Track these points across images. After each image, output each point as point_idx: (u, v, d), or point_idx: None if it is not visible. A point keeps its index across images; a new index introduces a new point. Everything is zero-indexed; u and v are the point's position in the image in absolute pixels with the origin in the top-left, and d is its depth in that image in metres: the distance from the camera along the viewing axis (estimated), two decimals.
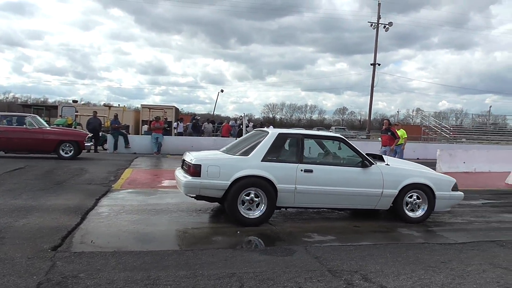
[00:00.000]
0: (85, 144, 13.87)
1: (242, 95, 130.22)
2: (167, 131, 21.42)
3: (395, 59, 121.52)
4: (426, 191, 6.63)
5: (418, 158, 17.24)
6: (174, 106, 30.09)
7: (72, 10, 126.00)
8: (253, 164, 6.00)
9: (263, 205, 6.01)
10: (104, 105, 31.24)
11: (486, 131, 39.77)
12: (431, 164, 11.28)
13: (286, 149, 6.47)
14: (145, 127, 23.42)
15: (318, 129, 36.82)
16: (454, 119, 53.97)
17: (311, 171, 6.16)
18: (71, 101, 34.00)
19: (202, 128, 23.23)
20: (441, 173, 8.32)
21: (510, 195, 10.30)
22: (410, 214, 6.65)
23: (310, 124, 75.12)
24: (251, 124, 23.42)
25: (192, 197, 6.24)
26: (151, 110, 25.89)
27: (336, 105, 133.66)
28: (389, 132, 12.69)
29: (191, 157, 6.15)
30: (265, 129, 6.97)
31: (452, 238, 5.81)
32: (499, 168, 13.95)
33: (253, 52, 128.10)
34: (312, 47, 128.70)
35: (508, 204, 8.87)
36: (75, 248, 4.64)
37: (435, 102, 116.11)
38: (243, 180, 5.90)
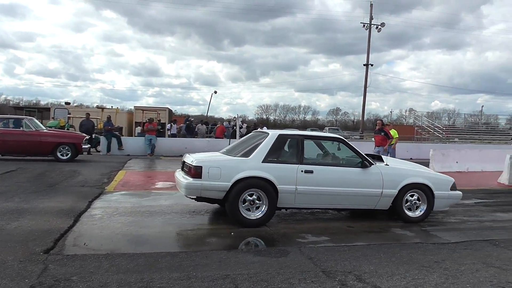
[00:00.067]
0: (83, 147, 13.82)
1: (236, 96, 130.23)
2: (161, 133, 21.34)
3: (387, 59, 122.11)
4: (425, 190, 6.68)
5: (411, 158, 17.29)
6: (167, 107, 30.03)
7: (64, 12, 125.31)
8: (254, 165, 6.01)
9: (264, 206, 6.03)
10: (97, 107, 31.00)
11: (478, 130, 40.04)
12: (424, 164, 11.27)
13: (286, 150, 6.48)
14: (138, 129, 23.36)
15: (312, 130, 36.90)
16: (446, 119, 54.28)
17: (311, 171, 6.18)
18: (63, 103, 33.78)
19: (196, 130, 23.16)
20: None
21: (503, 194, 10.37)
22: (410, 213, 6.69)
23: (304, 125, 75.22)
24: (244, 125, 23.39)
25: (192, 198, 6.23)
26: (144, 111, 25.81)
27: (329, 106, 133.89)
28: (382, 133, 12.74)
29: (191, 159, 6.15)
30: (265, 130, 6.97)
31: (446, 238, 5.84)
32: (491, 167, 14.05)
33: (246, 53, 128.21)
34: (305, 48, 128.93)
35: (501, 203, 8.93)
36: (67, 251, 4.61)
37: (427, 102, 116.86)
38: (244, 181, 5.91)
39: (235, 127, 17.19)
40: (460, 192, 7.04)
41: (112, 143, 17.32)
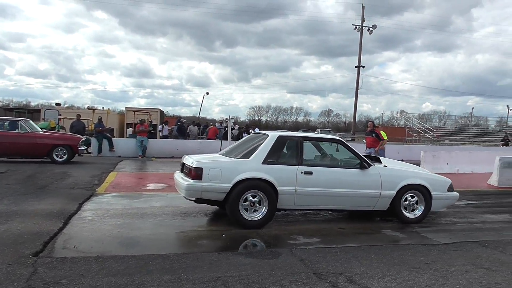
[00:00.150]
0: (79, 148, 13.73)
1: (228, 97, 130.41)
2: (152, 134, 21.27)
3: (379, 61, 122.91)
4: (423, 191, 6.74)
5: (402, 160, 17.31)
6: (159, 109, 29.94)
7: (55, 13, 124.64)
8: (254, 166, 6.03)
9: (264, 207, 6.04)
10: (88, 108, 30.86)
11: (468, 132, 40.46)
12: (415, 165, 11.37)
13: (286, 152, 6.50)
14: (129, 130, 23.23)
15: (304, 131, 36.96)
16: (437, 120, 54.79)
17: (311, 173, 6.21)
18: (54, 104, 33.55)
19: (188, 131, 23.11)
20: None
21: (492, 195, 10.46)
22: (408, 214, 6.75)
23: (296, 126, 75.37)
24: (236, 127, 23.38)
25: (191, 200, 6.22)
26: (135, 113, 25.70)
27: (321, 107, 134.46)
28: (373, 134, 12.79)
29: (191, 161, 6.14)
30: (264, 132, 6.99)
31: (436, 239, 5.87)
32: (481, 169, 14.17)
33: (238, 55, 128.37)
34: (297, 49, 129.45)
35: (490, 205, 9.00)
36: (57, 254, 4.57)
37: (418, 104, 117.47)
38: (244, 183, 5.93)
39: (226, 129, 17.17)
40: (457, 193, 7.12)
41: (103, 145, 17.20)
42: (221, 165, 6.09)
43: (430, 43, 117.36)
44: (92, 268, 4.11)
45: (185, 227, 6.07)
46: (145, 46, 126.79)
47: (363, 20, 36.56)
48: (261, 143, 6.31)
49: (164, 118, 29.61)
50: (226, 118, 15.92)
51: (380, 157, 7.43)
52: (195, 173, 5.89)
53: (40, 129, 14.36)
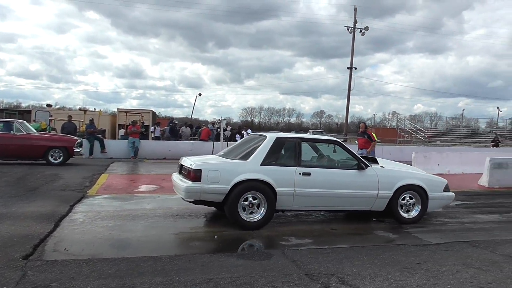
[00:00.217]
0: (75, 150, 13.65)
1: (220, 98, 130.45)
2: (144, 136, 21.18)
3: (371, 63, 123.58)
4: (419, 192, 6.80)
5: (393, 161, 17.49)
6: (151, 110, 29.82)
7: (46, 13, 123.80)
8: (253, 168, 6.04)
9: (263, 208, 6.06)
10: (80, 109, 30.62)
11: (459, 133, 40.77)
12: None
13: (284, 153, 6.52)
14: (121, 132, 23.13)
15: (296, 132, 37.02)
16: (428, 122, 55.22)
17: (309, 174, 6.23)
18: (45, 105, 33.27)
19: (180, 132, 23.05)
20: None
21: (483, 196, 10.54)
22: (405, 214, 6.80)
23: (288, 128, 75.52)
24: (229, 128, 23.36)
25: (190, 202, 6.21)
26: (127, 114, 25.62)
27: (313, 109, 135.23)
28: (365, 135, 12.84)
29: (190, 162, 6.13)
30: (262, 133, 7.00)
31: (427, 239, 5.91)
32: (472, 169, 14.27)
33: (231, 56, 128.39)
34: (290, 51, 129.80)
35: (481, 205, 9.07)
36: (47, 257, 4.52)
37: (410, 105, 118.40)
38: (243, 184, 5.94)
39: (219, 130, 17.14)
40: (453, 193, 7.21)
41: (94, 146, 17.09)
42: (220, 167, 6.09)
43: (422, 45, 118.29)
44: (83, 271, 4.08)
45: (177, 229, 6.05)
46: (138, 47, 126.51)
47: (355, 22, 36.68)
48: (260, 145, 6.32)
49: (156, 119, 29.57)
50: (219, 120, 15.89)
51: (377, 158, 7.47)
52: (194, 175, 5.88)
53: (35, 131, 14.27)
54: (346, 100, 38.25)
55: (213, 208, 6.93)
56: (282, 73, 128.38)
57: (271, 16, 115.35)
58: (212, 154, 9.74)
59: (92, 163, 14.66)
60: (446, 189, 7.06)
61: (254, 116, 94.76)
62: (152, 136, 23.27)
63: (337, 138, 7.56)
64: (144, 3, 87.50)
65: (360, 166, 6.56)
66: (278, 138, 6.46)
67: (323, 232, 6.18)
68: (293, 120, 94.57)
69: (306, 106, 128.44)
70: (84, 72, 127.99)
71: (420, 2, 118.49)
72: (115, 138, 24.00)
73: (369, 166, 6.63)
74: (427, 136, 36.41)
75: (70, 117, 18.97)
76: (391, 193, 6.61)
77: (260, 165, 6.08)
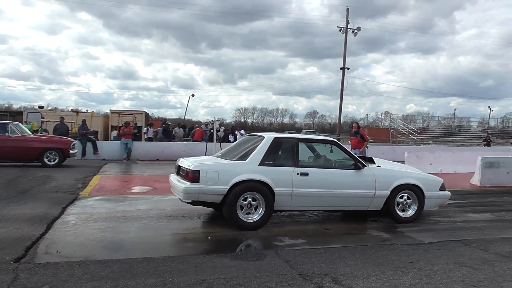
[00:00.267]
0: (70, 152, 13.58)
1: (214, 99, 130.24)
2: (137, 137, 21.10)
3: (364, 63, 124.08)
4: (416, 191, 6.85)
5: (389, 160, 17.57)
6: (144, 111, 29.70)
7: (37, 14, 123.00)
8: (251, 168, 6.05)
9: (261, 208, 6.08)
10: (72, 110, 30.52)
11: (451, 133, 41.06)
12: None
13: (282, 153, 6.54)
14: (114, 133, 23.03)
15: (290, 132, 37.07)
16: (421, 121, 55.49)
17: (307, 174, 6.26)
18: (37, 107, 33.07)
19: (173, 133, 22.99)
20: None
21: (475, 195, 10.61)
22: (401, 214, 6.85)
23: (282, 128, 75.64)
24: (222, 129, 23.33)
25: (188, 202, 6.21)
26: (120, 115, 25.51)
27: (307, 109, 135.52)
28: (358, 135, 12.89)
29: (188, 163, 6.13)
30: (259, 134, 7.01)
31: (420, 239, 5.93)
32: (464, 169, 14.37)
33: (224, 57, 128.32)
34: (282, 51, 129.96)
35: (473, 204, 9.14)
36: (39, 259, 4.49)
37: (403, 105, 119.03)
38: (241, 185, 5.95)
39: (212, 131, 17.11)
40: (449, 192, 7.28)
41: (87, 148, 17.00)
42: (218, 168, 6.09)
43: (414, 45, 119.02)
44: (76, 273, 4.06)
45: (170, 230, 6.03)
46: (130, 48, 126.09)
47: (347, 22, 36.77)
48: (257, 145, 6.34)
49: (149, 121, 29.47)
50: (212, 120, 15.87)
51: (373, 158, 7.51)
52: (193, 176, 5.88)
53: (30, 133, 14.18)
54: (339, 100, 38.35)
55: (206, 209, 6.92)
56: (275, 73, 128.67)
57: (263, 17, 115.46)
58: (205, 155, 9.74)
59: (84, 164, 14.57)
60: (442, 188, 7.13)
61: (247, 116, 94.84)
62: (145, 137, 23.18)
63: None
64: (136, 4, 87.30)
65: (357, 166, 6.59)
66: (275, 139, 6.48)
67: (316, 232, 6.19)
68: (286, 120, 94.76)
69: (299, 107, 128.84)
70: (76, 73, 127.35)
71: (412, 2, 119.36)
72: (107, 140, 23.88)
73: (366, 166, 6.67)
74: (420, 136, 36.63)
75: (62, 118, 18.86)
76: (388, 192, 6.65)
77: (258, 165, 6.09)
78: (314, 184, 6.29)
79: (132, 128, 18.96)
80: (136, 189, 9.67)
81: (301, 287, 3.91)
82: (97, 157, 16.92)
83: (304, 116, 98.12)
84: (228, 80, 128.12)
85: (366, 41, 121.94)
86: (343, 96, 38.03)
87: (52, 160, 13.26)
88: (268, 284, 3.94)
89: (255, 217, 6.06)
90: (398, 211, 6.82)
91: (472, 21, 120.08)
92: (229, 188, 5.89)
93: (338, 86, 37.90)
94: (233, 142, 21.13)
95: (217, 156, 6.84)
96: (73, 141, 14.23)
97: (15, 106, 69.56)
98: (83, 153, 16.82)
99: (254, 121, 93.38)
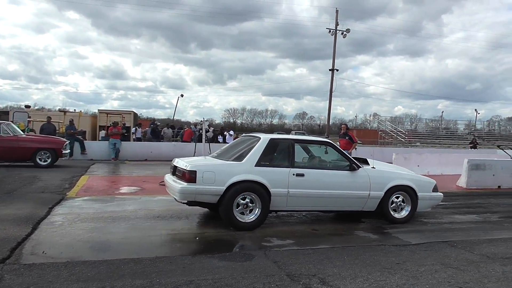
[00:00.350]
0: (63, 152, 13.45)
1: (203, 99, 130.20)
2: (125, 137, 20.96)
3: (353, 65, 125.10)
4: (409, 192, 6.94)
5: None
6: (132, 111, 29.50)
7: (24, 12, 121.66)
8: (247, 169, 6.07)
9: (257, 209, 6.11)
10: (59, 110, 30.17)
11: (438, 135, 41.45)
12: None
13: (278, 154, 6.56)
14: (102, 133, 22.86)
15: (278, 133, 37.14)
16: (409, 123, 56.10)
17: (302, 175, 6.29)
18: (23, 106, 32.67)
19: (162, 134, 22.88)
20: None
21: (461, 196, 10.73)
22: (395, 215, 6.93)
23: (271, 129, 75.84)
24: (211, 129, 23.28)
25: (183, 203, 6.19)
26: (108, 115, 25.33)
27: (296, 110, 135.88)
28: (347, 137, 12.96)
29: (185, 164, 6.12)
30: (255, 134, 7.03)
31: (407, 240, 5.99)
32: (451, 171, 14.51)
33: (213, 57, 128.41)
34: (272, 52, 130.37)
35: (459, 206, 9.23)
36: (25, 260, 4.44)
37: (391, 107, 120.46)
38: (238, 185, 5.97)
39: (201, 131, 17.07)
40: (441, 194, 7.38)
41: (74, 148, 16.83)
42: (215, 168, 6.10)
43: (402, 48, 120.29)
44: (62, 274, 4.02)
45: (158, 231, 5.99)
46: (119, 48, 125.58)
47: (337, 24, 36.97)
48: (254, 146, 6.36)
49: (138, 121, 29.26)
50: (201, 121, 15.83)
51: (367, 159, 7.58)
52: (189, 176, 5.88)
53: (22, 132, 14.02)
54: (328, 101, 38.55)
55: (195, 210, 6.91)
56: (264, 74, 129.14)
57: (253, 18, 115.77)
58: (194, 155, 9.71)
59: (72, 164, 14.42)
60: (435, 189, 7.24)
61: (236, 117, 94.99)
62: (134, 137, 23.03)
63: None
64: (125, 3, 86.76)
65: (352, 167, 6.65)
66: (272, 140, 6.51)
67: (304, 233, 6.21)
68: (275, 121, 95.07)
69: (289, 108, 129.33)
70: (64, 73, 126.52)
71: (401, 5, 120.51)
72: (95, 140, 23.70)
73: (360, 167, 6.73)
74: (407, 138, 36.95)
75: (49, 118, 18.67)
76: (382, 193, 6.72)
77: (255, 166, 6.12)
78: (309, 185, 6.33)
79: (121, 128, 18.83)
80: (124, 189, 9.60)
81: None
82: (84, 157, 16.78)
83: (293, 117, 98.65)
84: (218, 81, 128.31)
85: (355, 43, 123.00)
86: (332, 98, 38.30)
87: (44, 160, 13.15)
88: (256, 285, 3.94)
89: (251, 217, 6.09)
90: (392, 212, 6.90)
91: (460, 24, 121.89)
92: (226, 189, 5.91)
93: (327, 88, 38.10)
94: (222, 143, 21.14)
95: (213, 157, 6.86)
96: (66, 141, 14.11)
97: (1, 105, 68.58)
98: (71, 153, 16.62)
99: (243, 122, 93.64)
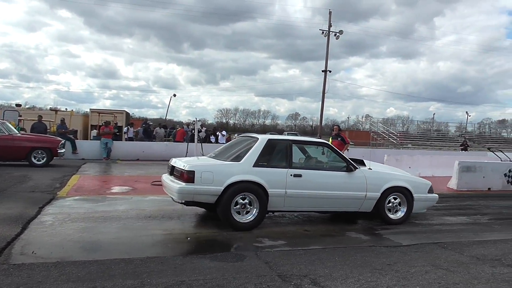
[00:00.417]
0: (58, 151, 13.35)
1: (195, 99, 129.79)
2: (117, 136, 20.85)
3: (345, 66, 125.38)
4: (405, 193, 7.01)
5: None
6: (124, 110, 29.30)
7: (16, 10, 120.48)
8: (245, 169, 6.09)
9: (255, 209, 6.13)
10: (51, 109, 29.86)
11: (430, 137, 41.67)
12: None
13: (276, 155, 6.56)
14: (94, 132, 22.71)
15: (271, 134, 37.14)
16: (401, 125, 56.25)
17: (300, 175, 6.33)
18: (14, 105, 32.35)
19: (154, 133, 22.79)
20: None
21: (452, 198, 10.81)
22: (391, 216, 7.00)
23: (263, 129, 75.87)
24: (204, 129, 23.22)
25: (181, 203, 6.18)
26: (100, 114, 25.15)
27: (288, 111, 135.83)
28: (339, 138, 12.96)
29: (183, 164, 6.12)
30: (253, 135, 7.03)
31: (398, 241, 6.02)
32: (442, 172, 14.60)
33: (206, 57, 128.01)
34: (265, 53, 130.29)
35: (449, 207, 9.30)
36: (14, 260, 4.40)
37: (383, 109, 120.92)
38: (236, 186, 5.99)
39: (193, 131, 17.02)
40: (436, 195, 7.47)
41: (66, 147, 16.70)
42: (213, 168, 6.10)
43: (395, 50, 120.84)
44: (51, 274, 3.99)
45: (150, 231, 5.97)
46: (111, 47, 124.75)
47: (330, 25, 37.05)
48: (251, 146, 6.38)
49: (130, 120, 29.14)
50: (193, 121, 15.78)
51: (364, 160, 7.62)
52: (188, 176, 5.88)
53: (17, 131, 13.89)
54: (320, 102, 38.62)
55: (186, 210, 6.90)
56: (257, 75, 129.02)
57: (247, 18, 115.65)
58: (186, 155, 9.68)
59: (63, 164, 14.31)
60: (430, 191, 7.32)
61: (229, 117, 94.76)
62: (126, 137, 22.90)
63: None
64: (118, 2, 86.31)
65: (349, 168, 6.70)
66: (270, 140, 6.53)
67: (296, 234, 6.22)
68: (268, 122, 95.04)
69: (281, 108, 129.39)
70: (56, 72, 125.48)
71: (394, 7, 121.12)
72: (87, 139, 23.53)
73: (357, 168, 6.77)
74: (399, 139, 37.09)
75: (40, 117, 18.49)
76: (378, 194, 6.78)
77: (253, 166, 6.14)
78: (307, 186, 6.37)
79: (112, 128, 18.74)
80: (115, 189, 9.55)
81: None
82: (76, 157, 16.68)
83: (286, 118, 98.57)
84: (210, 81, 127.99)
85: (348, 45, 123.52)
86: (325, 99, 38.36)
87: (40, 160, 13.06)
88: (247, 285, 3.94)
89: (249, 217, 6.11)
90: (388, 213, 6.96)
91: (452, 27, 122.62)
92: (224, 189, 5.93)
93: (320, 89, 38.17)
94: (214, 143, 21.10)
95: (210, 157, 6.85)
96: (61, 141, 14.01)
97: None
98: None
99: (236, 122, 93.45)
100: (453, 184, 12.44)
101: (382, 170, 7.42)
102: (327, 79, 37.44)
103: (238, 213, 6.08)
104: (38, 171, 11.72)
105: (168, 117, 54.83)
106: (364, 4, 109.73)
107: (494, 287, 4.30)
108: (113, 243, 5.31)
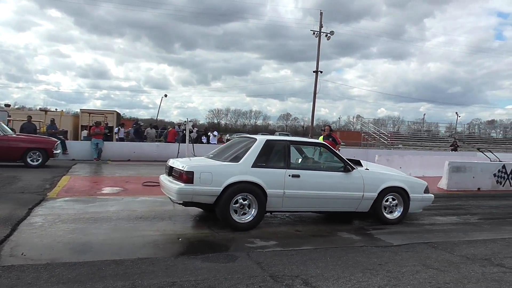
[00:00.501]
0: (54, 152, 13.22)
1: (187, 100, 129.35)
2: (108, 137, 20.74)
3: (337, 67, 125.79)
4: (402, 194, 7.08)
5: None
6: (115, 111, 29.17)
7: (5, 9, 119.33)
8: (244, 170, 6.10)
9: (253, 210, 6.15)
10: (40, 109, 29.66)
11: (420, 137, 41.97)
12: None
13: (274, 155, 6.58)
14: (84, 133, 22.59)
15: (262, 134, 37.16)
16: (391, 126, 56.58)
17: (298, 176, 6.35)
18: (3, 105, 32.03)
19: (145, 134, 22.69)
20: None
21: (442, 198, 10.87)
22: (388, 215, 7.06)
23: (255, 130, 75.89)
24: (195, 130, 23.17)
25: (179, 203, 6.18)
26: (91, 114, 25.01)
27: (280, 111, 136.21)
28: (330, 138, 13.00)
29: (182, 164, 6.11)
30: (251, 136, 7.04)
31: (389, 241, 6.05)
32: (432, 172, 14.70)
33: (197, 57, 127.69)
34: (256, 53, 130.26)
35: (440, 207, 9.36)
36: (3, 262, 4.35)
37: (374, 109, 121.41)
38: (235, 186, 6.00)
39: (184, 131, 16.98)
40: (432, 195, 7.54)
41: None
42: (212, 169, 6.11)
43: (385, 51, 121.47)
44: (41, 276, 3.95)
45: (141, 232, 5.93)
46: (102, 47, 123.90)
47: (321, 26, 37.14)
48: (250, 147, 6.39)
49: (121, 121, 28.99)
50: (185, 121, 15.75)
51: (361, 161, 7.66)
52: (186, 177, 5.88)
53: (12, 132, 13.75)
54: (312, 103, 38.70)
55: (178, 211, 6.88)
56: (249, 75, 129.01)
57: (238, 19, 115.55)
58: (177, 156, 9.66)
59: (53, 164, 14.19)
60: (426, 191, 7.40)
61: (220, 118, 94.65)
62: (116, 137, 22.81)
63: None
64: (109, 2, 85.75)
65: (346, 169, 6.73)
66: (268, 141, 6.55)
67: (288, 234, 6.22)
68: (259, 122, 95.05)
69: (273, 109, 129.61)
70: (46, 72, 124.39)
71: (384, 8, 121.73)
72: (77, 139, 23.38)
73: (355, 169, 6.81)
74: (390, 140, 37.34)
75: (29, 117, 18.32)
76: (375, 194, 6.83)
77: (251, 167, 6.16)
78: (305, 186, 6.39)
79: (103, 128, 18.65)
80: (106, 190, 9.49)
81: None
82: (66, 157, 16.51)
83: (277, 118, 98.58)
84: (202, 81, 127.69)
85: (339, 45, 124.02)
86: (316, 99, 38.41)
87: (35, 161, 12.96)
88: (239, 286, 3.94)
89: (248, 217, 6.13)
90: (385, 213, 7.02)
91: (442, 28, 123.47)
92: (223, 189, 5.94)
93: (311, 89, 38.23)
94: (206, 143, 21.07)
95: (208, 157, 6.85)
96: (57, 141, 13.92)
97: None
98: None
99: (228, 122, 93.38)
100: (443, 184, 12.52)
101: (379, 170, 7.49)
102: (318, 80, 37.53)
103: (237, 213, 6.08)
104: (28, 172, 11.62)
105: (159, 118, 54.51)
106: (355, 5, 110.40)
107: (484, 286, 4.33)
108: (104, 244, 5.27)
